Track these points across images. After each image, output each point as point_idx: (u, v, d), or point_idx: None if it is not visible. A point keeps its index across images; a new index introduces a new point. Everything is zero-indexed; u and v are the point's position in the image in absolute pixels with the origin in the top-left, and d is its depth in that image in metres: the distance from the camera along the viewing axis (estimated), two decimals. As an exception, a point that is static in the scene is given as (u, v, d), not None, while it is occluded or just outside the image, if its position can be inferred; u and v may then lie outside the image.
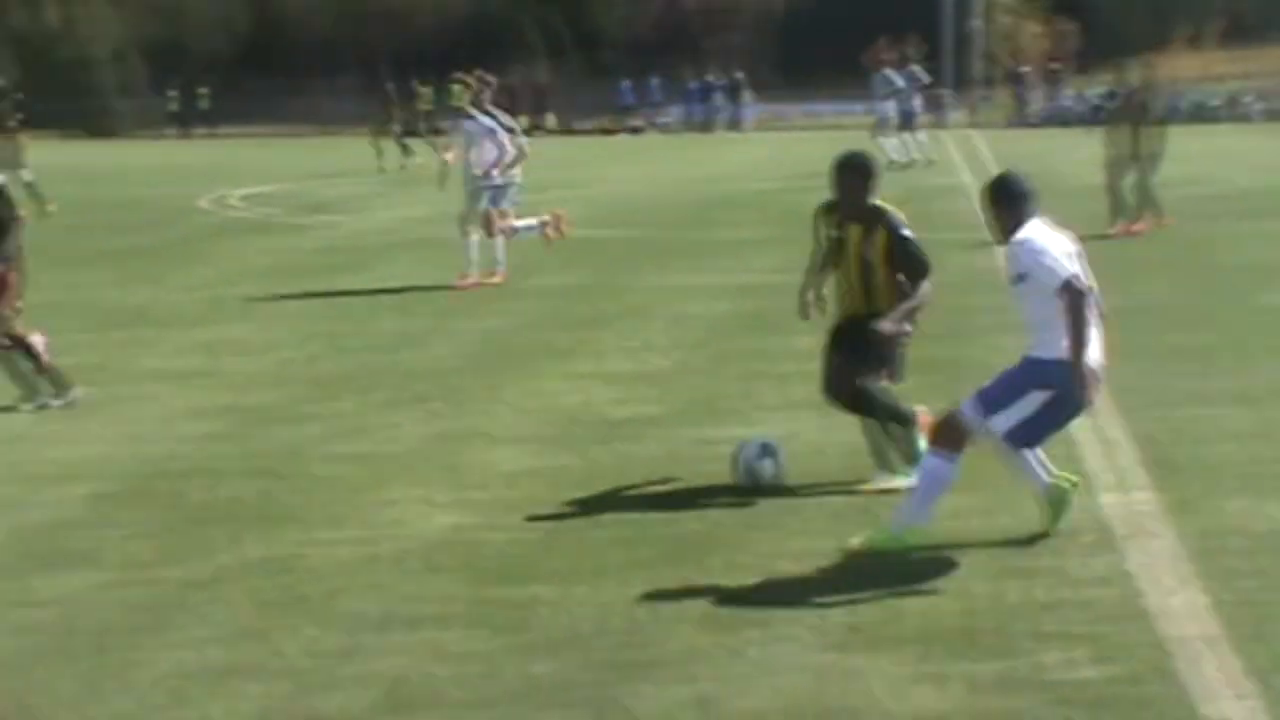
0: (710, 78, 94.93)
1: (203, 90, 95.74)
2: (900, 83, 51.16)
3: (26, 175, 38.19)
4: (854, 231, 12.88)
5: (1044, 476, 11.31)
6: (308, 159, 64.22)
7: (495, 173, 24.63)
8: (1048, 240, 11.04)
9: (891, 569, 10.45)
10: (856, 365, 12.85)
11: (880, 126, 51.17)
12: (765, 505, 11.87)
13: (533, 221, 25.11)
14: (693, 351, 19.18)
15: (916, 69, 52.98)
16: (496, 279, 24.44)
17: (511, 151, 24.92)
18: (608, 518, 12.00)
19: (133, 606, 10.16)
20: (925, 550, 10.79)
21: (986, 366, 16.17)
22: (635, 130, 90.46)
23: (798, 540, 11.19)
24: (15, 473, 13.47)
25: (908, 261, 12.80)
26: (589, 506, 12.27)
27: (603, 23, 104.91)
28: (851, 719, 8.07)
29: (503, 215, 24.82)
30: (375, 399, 16.38)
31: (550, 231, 25.36)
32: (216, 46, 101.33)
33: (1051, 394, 10.87)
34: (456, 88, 25.37)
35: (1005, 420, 10.92)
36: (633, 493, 12.76)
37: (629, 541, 11.36)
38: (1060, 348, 10.71)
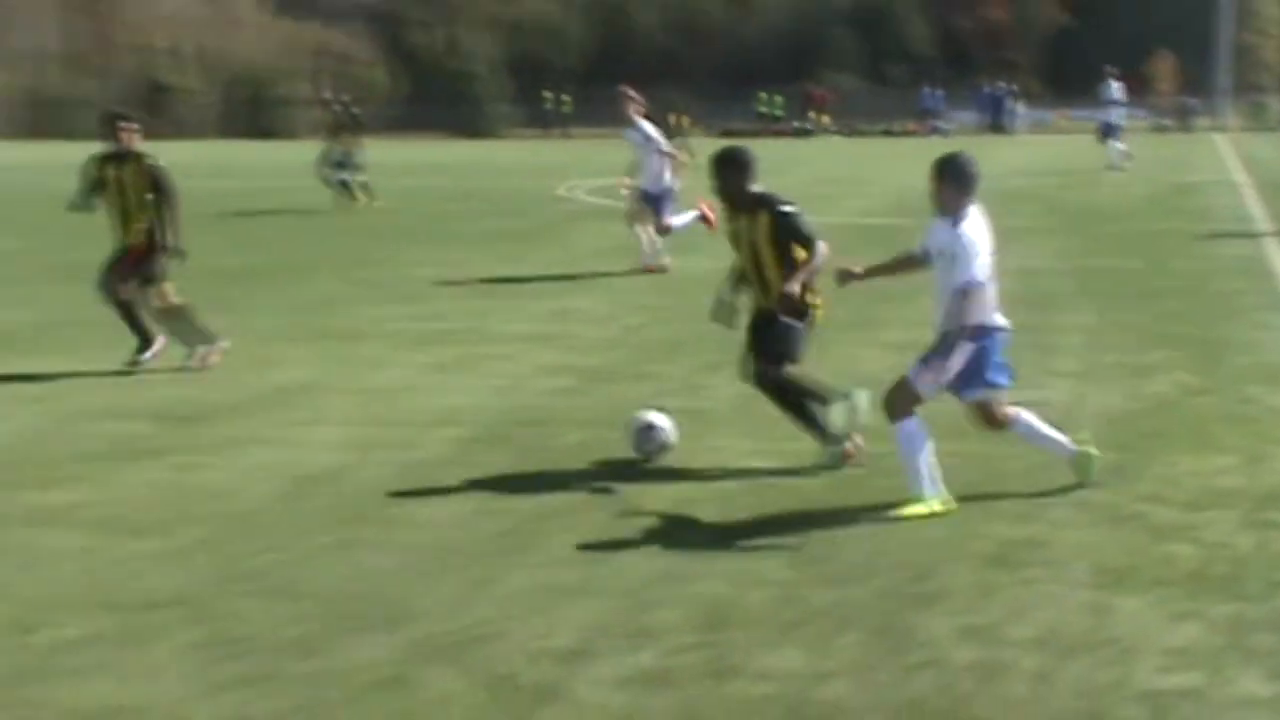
0: (1001, 85, 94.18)
1: (565, 97, 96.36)
2: (1116, 95, 50.59)
3: (361, 176, 38.49)
4: (744, 221, 12.33)
5: (1061, 443, 11.30)
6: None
7: (662, 179, 24.91)
8: (979, 237, 10.81)
9: (1156, 520, 10.38)
10: (765, 357, 12.34)
11: (1105, 132, 50.77)
12: (1030, 460, 11.76)
13: (689, 216, 24.95)
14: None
15: (1117, 86, 52.18)
16: (661, 266, 24.60)
17: (668, 160, 25.10)
18: (897, 466, 11.95)
19: (495, 532, 10.44)
20: (1189, 504, 10.71)
21: (1251, 343, 16.06)
22: (940, 132, 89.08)
23: (1074, 491, 11.11)
24: (404, 418, 13.84)
25: (794, 234, 12.12)
26: (882, 455, 12.24)
27: (896, 39, 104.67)
28: (1122, 650, 8.01)
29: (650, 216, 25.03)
30: (698, 362, 16.46)
31: (710, 213, 25.14)
32: (571, 62, 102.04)
33: (976, 347, 10.73)
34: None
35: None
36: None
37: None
38: (983, 315, 10.68)
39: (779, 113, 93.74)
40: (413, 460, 12.34)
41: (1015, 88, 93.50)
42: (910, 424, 10.85)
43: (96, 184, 17.02)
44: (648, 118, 25.53)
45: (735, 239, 12.44)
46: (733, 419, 13.76)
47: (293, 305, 20.97)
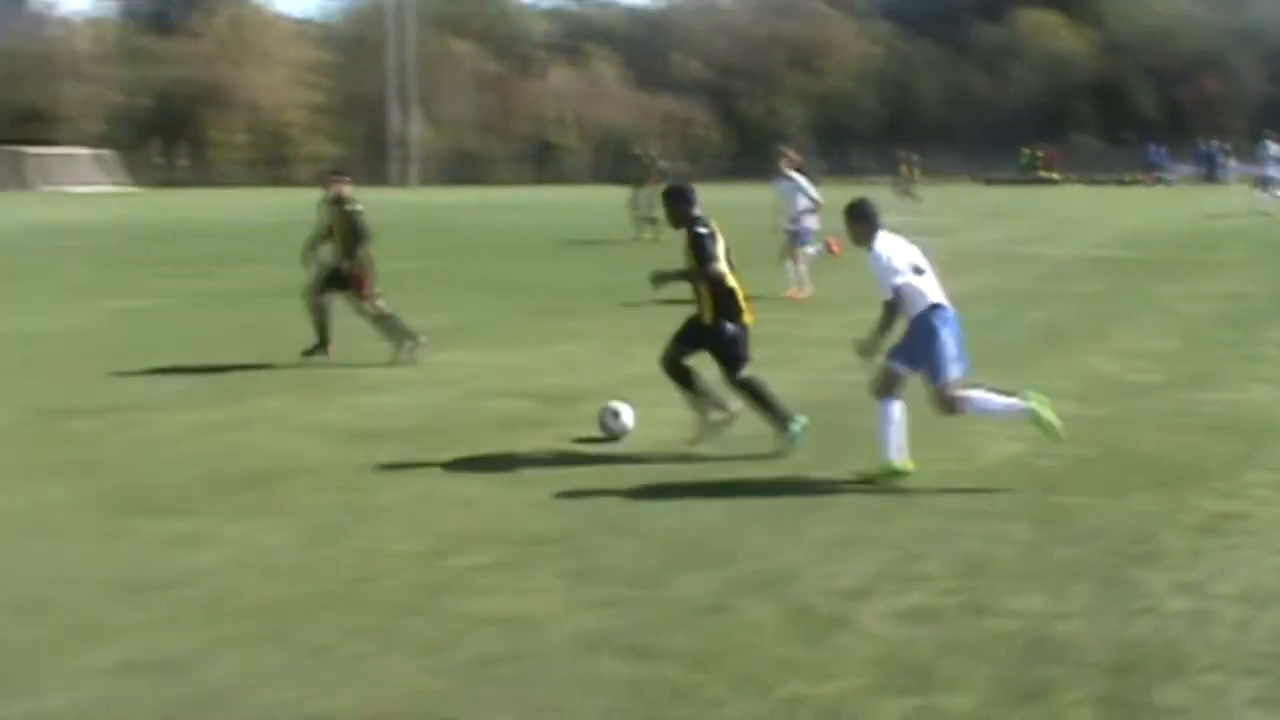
0: (1215, 143, 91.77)
1: (861, 154, 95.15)
2: (1274, 153, 49.16)
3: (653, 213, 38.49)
4: (684, 239, 12.10)
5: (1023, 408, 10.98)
6: (929, 196, 63.78)
7: (803, 219, 24.43)
8: (890, 251, 10.87)
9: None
10: (726, 366, 11.99)
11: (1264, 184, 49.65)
12: (1235, 448, 11.53)
13: (818, 247, 24.59)
14: (1185, 339, 18.64)
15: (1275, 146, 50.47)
16: (807, 293, 23.82)
17: (811, 204, 24.60)
18: (1124, 450, 11.84)
19: (798, 494, 10.49)
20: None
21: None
22: (1164, 182, 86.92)
23: (1273, 473, 10.90)
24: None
25: (693, 250, 11.88)
26: (1112, 442, 12.11)
27: (1128, 106, 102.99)
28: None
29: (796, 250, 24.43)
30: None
31: (836, 247, 24.46)
32: (864, 126, 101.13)
33: (924, 328, 10.80)
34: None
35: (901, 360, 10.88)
36: (1142, 435, 12.56)
37: (1139, 468, 11.22)
38: (917, 307, 10.81)
39: (1041, 166, 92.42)
40: (738, 436, 12.35)
41: (1227, 146, 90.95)
42: (889, 404, 10.84)
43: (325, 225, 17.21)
44: (799, 170, 25.27)
45: (683, 251, 12.12)
46: (991, 410, 13.65)
47: (644, 312, 21.17)
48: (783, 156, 25.75)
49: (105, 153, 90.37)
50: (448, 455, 11.74)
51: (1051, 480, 10.84)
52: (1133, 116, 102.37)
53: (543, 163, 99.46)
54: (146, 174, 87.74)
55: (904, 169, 57.69)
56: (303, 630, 7.61)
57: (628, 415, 12.49)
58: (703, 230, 12.01)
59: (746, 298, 12.00)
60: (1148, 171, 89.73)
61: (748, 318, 12.05)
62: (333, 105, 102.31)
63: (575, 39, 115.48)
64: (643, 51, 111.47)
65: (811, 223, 24.72)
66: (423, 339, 16.95)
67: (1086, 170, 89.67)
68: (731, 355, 11.94)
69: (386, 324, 17.03)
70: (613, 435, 12.40)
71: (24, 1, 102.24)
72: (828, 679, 6.84)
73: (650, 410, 13.49)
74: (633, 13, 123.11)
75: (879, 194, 50.00)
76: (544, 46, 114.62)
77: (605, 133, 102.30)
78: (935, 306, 10.91)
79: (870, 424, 12.66)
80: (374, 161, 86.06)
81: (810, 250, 24.34)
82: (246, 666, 7.09)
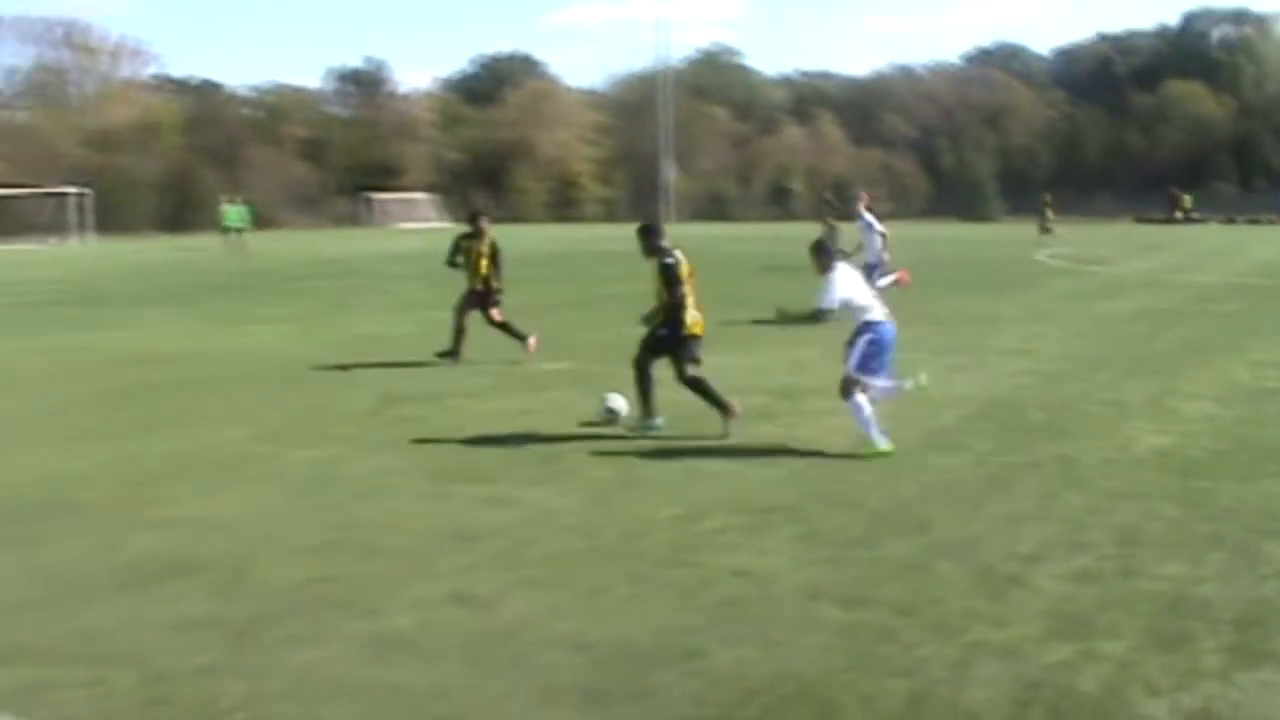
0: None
1: (1047, 197, 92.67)
2: None
3: (848, 247, 37.65)
4: (651, 265, 12.13)
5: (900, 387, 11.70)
6: (1092, 233, 62.37)
7: (877, 253, 23.49)
8: (840, 279, 11.32)
9: None
10: (677, 365, 12.13)
11: None
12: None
13: (891, 278, 23.29)
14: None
15: None
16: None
17: (883, 239, 23.70)
18: (1256, 444, 11.44)
19: (983, 474, 10.33)
20: None
21: None
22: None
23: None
24: (926, 398, 13.53)
25: (663, 276, 11.98)
26: (1246, 437, 11.71)
27: (1260, 158, 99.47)
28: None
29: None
30: (1118, 371, 15.90)
31: (905, 278, 23.51)
32: (1040, 174, 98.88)
33: (867, 338, 11.20)
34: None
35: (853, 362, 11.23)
36: (1271, 431, 12.15)
37: (1269, 458, 10.85)
38: (859, 320, 11.30)
39: (1188, 208, 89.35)
40: (934, 427, 12.24)
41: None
42: (855, 400, 11.16)
43: (457, 250, 17.70)
44: (869, 209, 24.26)
45: (651, 278, 12.18)
46: (1143, 410, 13.23)
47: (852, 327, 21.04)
48: (859, 199, 24.99)
49: (434, 196, 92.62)
50: (700, 439, 11.78)
51: (1194, 467, 10.51)
52: (1263, 167, 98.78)
53: (778, 204, 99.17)
54: (463, 213, 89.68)
55: (1047, 210, 56.44)
56: (583, 576, 7.70)
57: (618, 402, 12.63)
58: (670, 260, 12.07)
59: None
60: (1277, 213, 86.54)
61: (698, 329, 12.15)
62: (610, 158, 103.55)
63: (805, 103, 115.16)
64: (859, 113, 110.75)
65: (886, 256, 23.88)
66: (531, 340, 17.43)
67: (1224, 212, 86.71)
68: (684, 357, 12.11)
69: (507, 330, 17.53)
70: (611, 419, 12.50)
71: (381, 84, 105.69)
72: (1006, 627, 6.75)
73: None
74: (850, 81, 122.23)
75: (1030, 231, 48.97)
76: (780, 110, 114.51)
77: (829, 180, 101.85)
78: (871, 323, 11.30)
79: (1040, 419, 12.48)
80: (641, 203, 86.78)
81: (883, 282, 23.38)
82: (537, 603, 7.20)
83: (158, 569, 7.89)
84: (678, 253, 12.19)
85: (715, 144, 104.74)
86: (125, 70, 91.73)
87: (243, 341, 20.26)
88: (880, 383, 11.38)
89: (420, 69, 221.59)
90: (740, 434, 11.92)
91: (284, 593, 7.41)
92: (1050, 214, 55.71)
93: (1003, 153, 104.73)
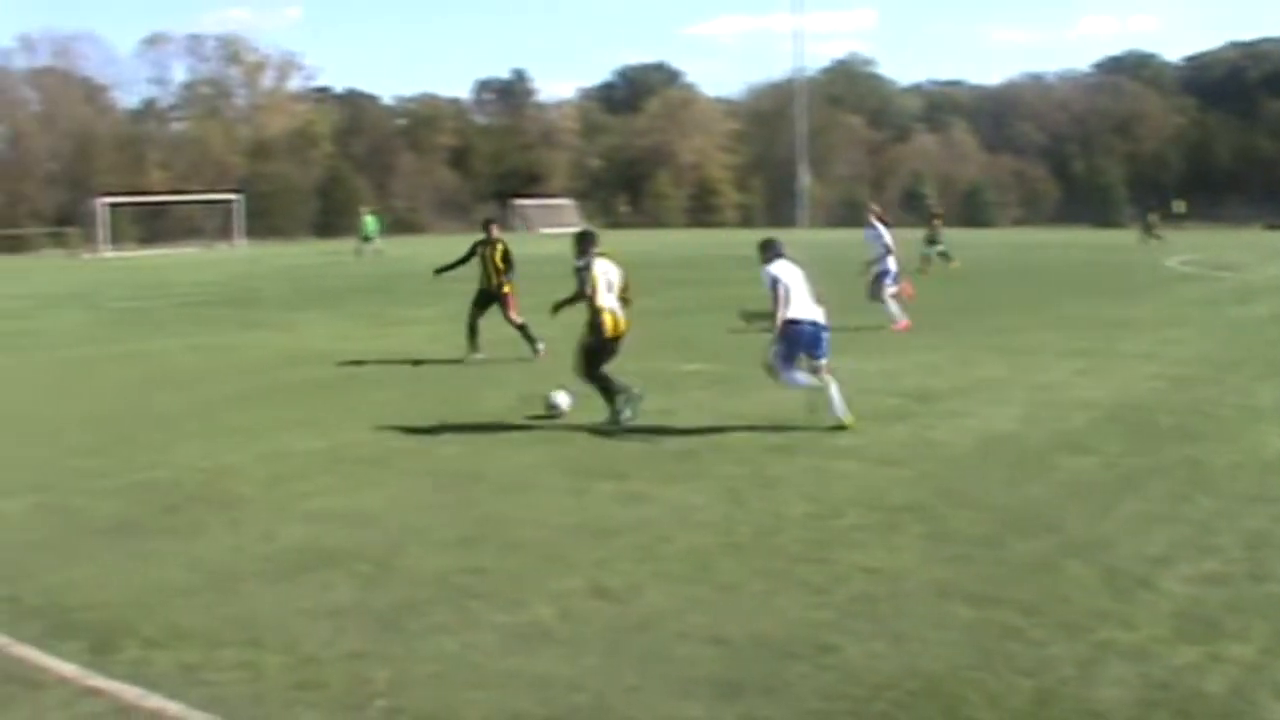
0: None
1: (1180, 203, 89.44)
2: None
3: (940, 248, 36.98)
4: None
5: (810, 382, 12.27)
6: (1222, 239, 60.79)
7: (887, 263, 22.17)
8: (779, 271, 12.13)
9: None
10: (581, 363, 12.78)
11: None
12: None
13: (895, 289, 22.19)
14: None
15: None
16: (903, 325, 21.09)
17: (888, 250, 22.29)
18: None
19: (1113, 476, 10.11)
20: None
21: None
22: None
23: None
24: (1058, 403, 13.48)
25: (579, 280, 12.69)
26: None
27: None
28: None
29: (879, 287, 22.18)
30: (1251, 374, 15.52)
31: (907, 290, 22.72)
32: (1170, 179, 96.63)
33: (784, 338, 12.07)
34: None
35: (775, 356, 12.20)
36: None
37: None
38: (783, 315, 11.99)
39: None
40: (1063, 429, 12.04)
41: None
42: (789, 377, 12.15)
43: (472, 254, 18.64)
44: (881, 220, 23.12)
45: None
46: (1273, 414, 12.89)
47: (987, 329, 20.75)
48: (868, 210, 24.17)
49: (575, 202, 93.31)
50: (832, 438, 11.73)
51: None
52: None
53: (909, 207, 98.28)
54: (603, 218, 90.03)
55: (1152, 217, 55.21)
56: (718, 571, 7.72)
57: (561, 398, 13.06)
58: (580, 264, 12.71)
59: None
60: None
61: (618, 332, 12.66)
62: (746, 165, 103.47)
63: (936, 111, 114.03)
64: (990, 120, 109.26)
65: (893, 266, 22.61)
66: (540, 345, 17.82)
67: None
68: (600, 355, 12.64)
69: (524, 332, 18.13)
70: (555, 413, 12.94)
71: (526, 94, 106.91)
72: (1134, 628, 6.62)
73: (991, 408, 13.26)
74: (982, 90, 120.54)
75: (1131, 235, 47.74)
76: (912, 118, 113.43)
77: (962, 187, 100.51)
78: (791, 321, 12.00)
79: (1170, 422, 12.23)
80: (775, 209, 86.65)
81: (892, 290, 22.28)
82: (673, 597, 7.23)
83: (308, 558, 8.08)
84: (603, 261, 12.80)
85: (849, 151, 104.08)
86: (281, 82, 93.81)
87: (389, 342, 20.60)
88: (798, 378, 12.19)
89: (563, 80, 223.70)
90: (872, 434, 11.86)
91: (429, 583, 7.54)
92: (1156, 219, 54.63)
93: (1132, 159, 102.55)
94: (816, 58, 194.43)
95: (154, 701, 5.87)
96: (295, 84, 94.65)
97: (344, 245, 55.36)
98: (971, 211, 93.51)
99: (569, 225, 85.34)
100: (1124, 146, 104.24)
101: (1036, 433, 11.83)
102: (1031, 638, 6.50)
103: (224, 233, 71.52)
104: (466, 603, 7.16)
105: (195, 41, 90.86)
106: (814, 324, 12.12)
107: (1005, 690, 5.86)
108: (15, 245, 66.49)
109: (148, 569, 7.93)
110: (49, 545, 8.56)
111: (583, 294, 12.62)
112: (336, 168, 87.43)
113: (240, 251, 64.89)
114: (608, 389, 12.62)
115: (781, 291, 11.99)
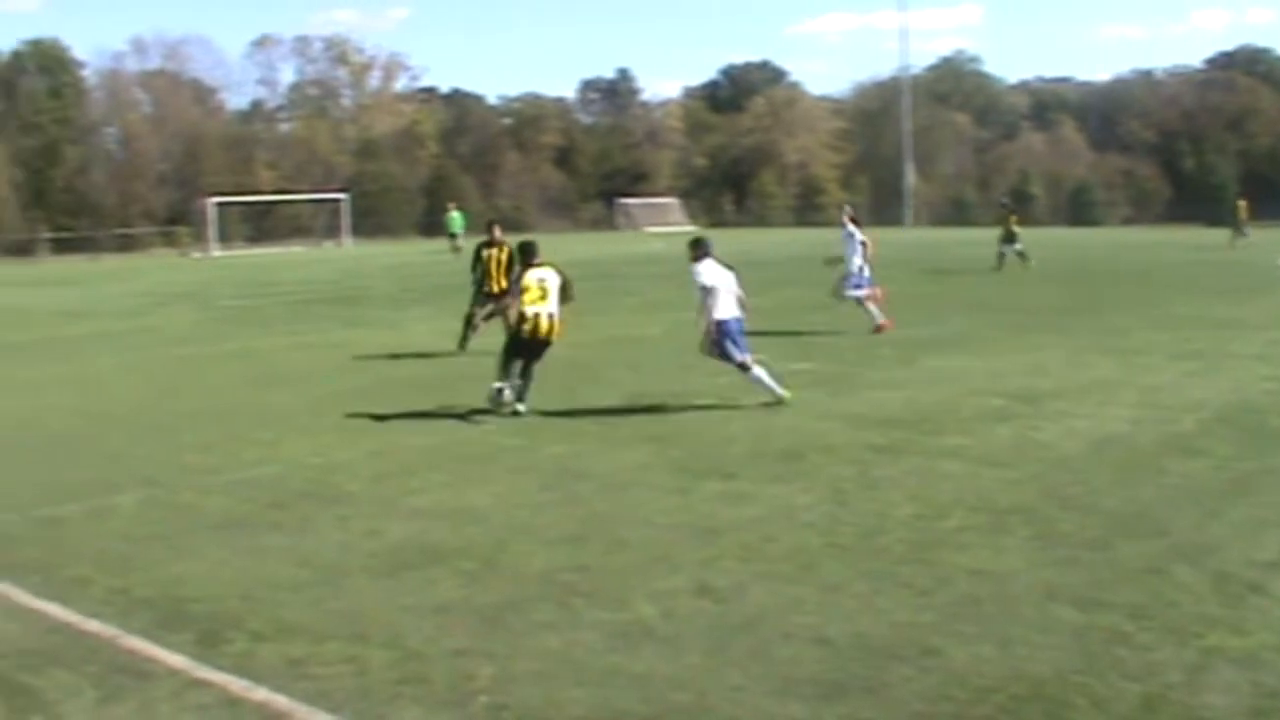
0: None
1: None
2: None
3: (1018, 247, 36.20)
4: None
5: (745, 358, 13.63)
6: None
7: (859, 264, 21.45)
8: (706, 270, 13.49)
9: None
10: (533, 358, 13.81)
11: None
12: None
13: (865, 292, 21.42)
14: None
15: None
16: (886, 324, 20.50)
17: (864, 252, 21.54)
18: None
19: (1220, 480, 9.89)
20: None
21: None
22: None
23: None
24: (1168, 404, 13.18)
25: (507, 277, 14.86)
26: None
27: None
28: None
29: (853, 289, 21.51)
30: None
31: (877, 294, 21.60)
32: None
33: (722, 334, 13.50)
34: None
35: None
36: None
37: None
38: (710, 314, 13.43)
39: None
40: (1173, 431, 11.83)
41: None
42: (752, 372, 13.57)
43: (478, 259, 18.96)
44: (854, 221, 22.48)
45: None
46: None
47: (1095, 329, 20.41)
48: (844, 211, 23.51)
49: (681, 201, 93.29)
50: (938, 439, 11.64)
51: None
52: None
53: (1020, 204, 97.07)
54: (707, 217, 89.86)
55: (1240, 213, 53.95)
56: (822, 571, 7.70)
57: (507, 394, 13.55)
58: (517, 268, 13.90)
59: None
60: None
61: (540, 333, 13.49)
62: (852, 163, 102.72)
63: (1044, 109, 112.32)
64: (1098, 118, 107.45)
65: (865, 269, 21.79)
66: (468, 346, 18.67)
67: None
68: (531, 352, 13.64)
69: (467, 324, 18.88)
70: (499, 407, 13.43)
71: (631, 93, 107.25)
72: (1244, 634, 6.50)
73: (1100, 409, 13.07)
74: (1090, 87, 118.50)
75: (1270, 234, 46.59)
76: (1019, 115, 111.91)
77: (1070, 186, 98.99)
78: (718, 320, 13.39)
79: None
80: (881, 208, 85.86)
81: (863, 291, 21.59)
82: (776, 596, 7.22)
83: (414, 555, 8.18)
84: (543, 269, 13.62)
85: (955, 149, 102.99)
86: (387, 83, 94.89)
87: (492, 339, 20.69)
88: (734, 353, 13.55)
89: (668, 79, 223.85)
90: (979, 435, 11.75)
91: (533, 581, 7.60)
92: (1243, 216, 53.47)
93: (1245, 156, 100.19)
94: (922, 55, 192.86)
95: (260, 694, 5.99)
96: (401, 84, 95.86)
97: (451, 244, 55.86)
98: (1079, 211, 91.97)
99: (674, 224, 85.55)
100: (1237, 144, 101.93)
101: (1146, 434, 11.64)
102: (1139, 642, 6.40)
103: (331, 232, 72.60)
104: (570, 600, 7.21)
105: (303, 43, 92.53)
106: (738, 320, 13.60)
107: (1112, 695, 5.78)
108: (127, 244, 68.11)
109: (255, 564, 8.09)
110: (159, 539, 8.77)
111: (512, 296, 13.86)
112: (442, 167, 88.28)
113: (347, 250, 65.78)
114: (525, 376, 13.71)
115: (709, 300, 13.36)
